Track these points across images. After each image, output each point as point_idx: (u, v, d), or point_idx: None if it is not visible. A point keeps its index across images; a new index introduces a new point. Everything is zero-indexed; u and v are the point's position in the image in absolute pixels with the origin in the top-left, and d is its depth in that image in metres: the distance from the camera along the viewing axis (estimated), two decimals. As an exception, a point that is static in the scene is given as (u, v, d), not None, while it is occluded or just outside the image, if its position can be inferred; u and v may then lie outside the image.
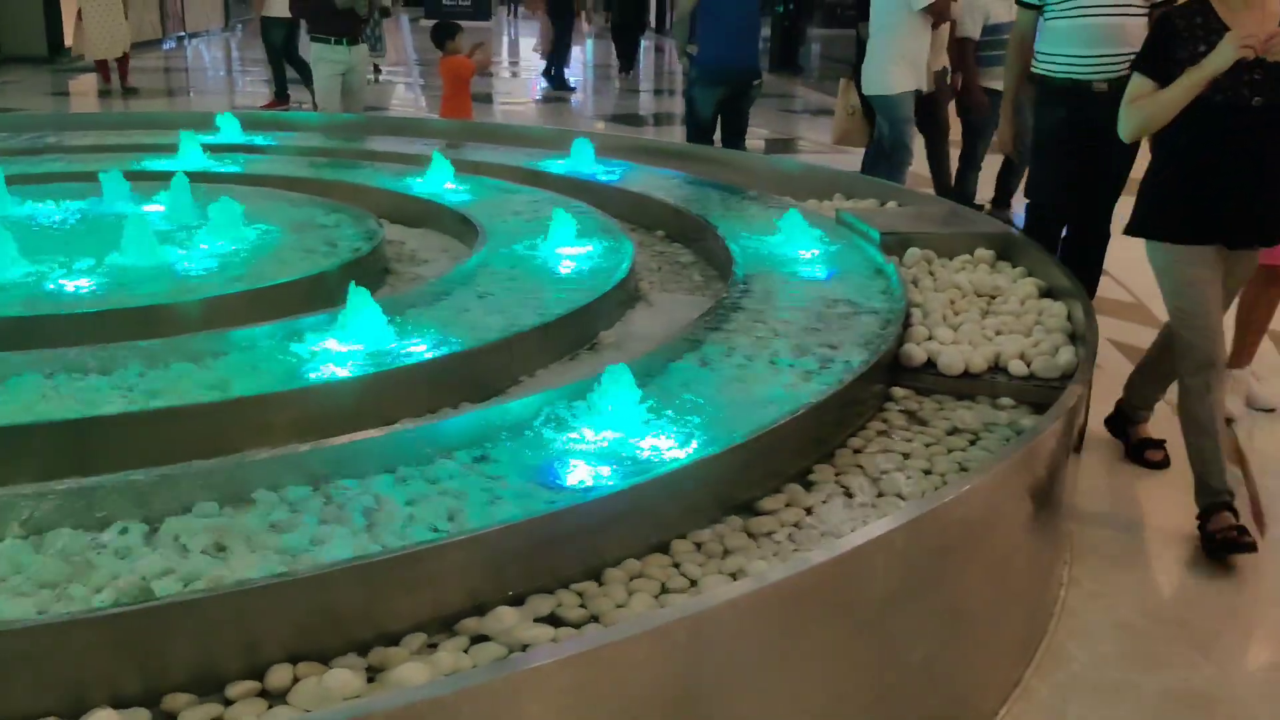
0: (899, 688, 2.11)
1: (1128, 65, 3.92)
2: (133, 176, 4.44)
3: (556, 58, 14.62)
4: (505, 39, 22.84)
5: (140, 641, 1.66)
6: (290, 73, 10.98)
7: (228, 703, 1.66)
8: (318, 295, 3.31)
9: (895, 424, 2.71)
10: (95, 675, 1.64)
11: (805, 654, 1.89)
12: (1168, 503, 3.30)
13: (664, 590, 1.99)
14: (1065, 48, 4.00)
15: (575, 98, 14.01)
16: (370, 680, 1.70)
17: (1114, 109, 3.28)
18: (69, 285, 3.40)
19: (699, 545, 2.12)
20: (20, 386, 2.57)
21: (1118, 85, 3.91)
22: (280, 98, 11.22)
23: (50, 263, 3.54)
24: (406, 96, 13.94)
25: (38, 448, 2.34)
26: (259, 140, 5.72)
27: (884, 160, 6.08)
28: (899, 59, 5.86)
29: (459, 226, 4.29)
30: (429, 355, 2.86)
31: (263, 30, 11.24)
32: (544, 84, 14.49)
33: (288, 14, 10.41)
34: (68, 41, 15.23)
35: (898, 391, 2.88)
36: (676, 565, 2.06)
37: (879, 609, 2.00)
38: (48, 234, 3.96)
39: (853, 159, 6.84)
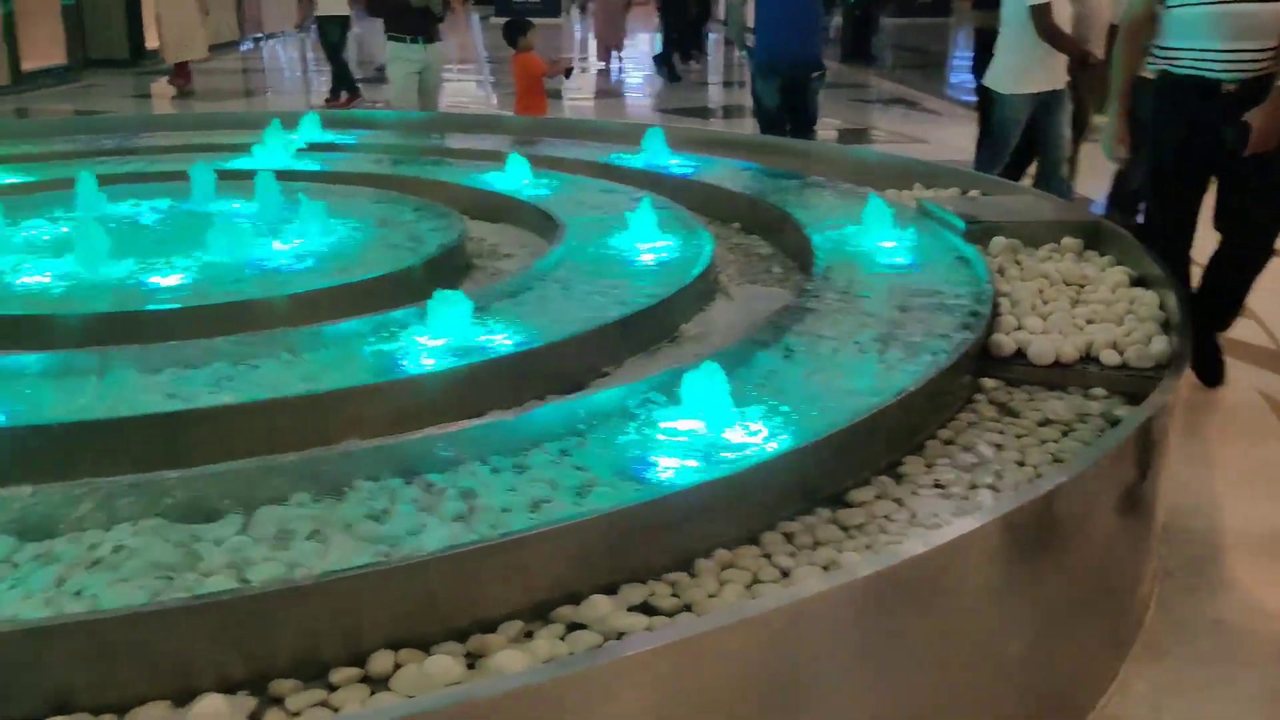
0: (994, 681, 2.08)
1: (1268, 63, 3.63)
2: (219, 175, 4.53)
3: (667, 47, 14.85)
4: (575, 35, 22.91)
5: (245, 627, 1.70)
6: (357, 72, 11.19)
7: (331, 688, 1.68)
8: (404, 290, 3.35)
9: (985, 415, 2.68)
10: (202, 660, 1.68)
11: (900, 646, 1.87)
12: (1264, 495, 3.22)
13: (755, 581, 1.98)
14: (1194, 40, 3.69)
15: (643, 91, 14.03)
16: (470, 667, 1.72)
17: (1239, 111, 3.08)
18: (161, 281, 3.48)
19: (789, 536, 2.11)
20: (119, 381, 2.64)
21: (1249, 86, 3.62)
22: (352, 92, 11.40)
23: (142, 260, 3.62)
24: (479, 94, 14.05)
25: (136, 440, 2.40)
26: (340, 139, 5.81)
27: (986, 149, 5.94)
28: (1017, 58, 5.61)
29: (538, 221, 4.32)
30: (513, 349, 2.88)
31: (320, 30, 11.43)
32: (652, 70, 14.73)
33: (343, 12, 10.61)
34: (149, 44, 15.62)
35: (987, 382, 2.84)
36: (767, 556, 2.05)
37: (974, 601, 1.98)
38: (139, 232, 4.06)
39: (929, 150, 6.75)
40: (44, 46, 13.98)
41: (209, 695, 1.63)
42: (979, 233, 3.76)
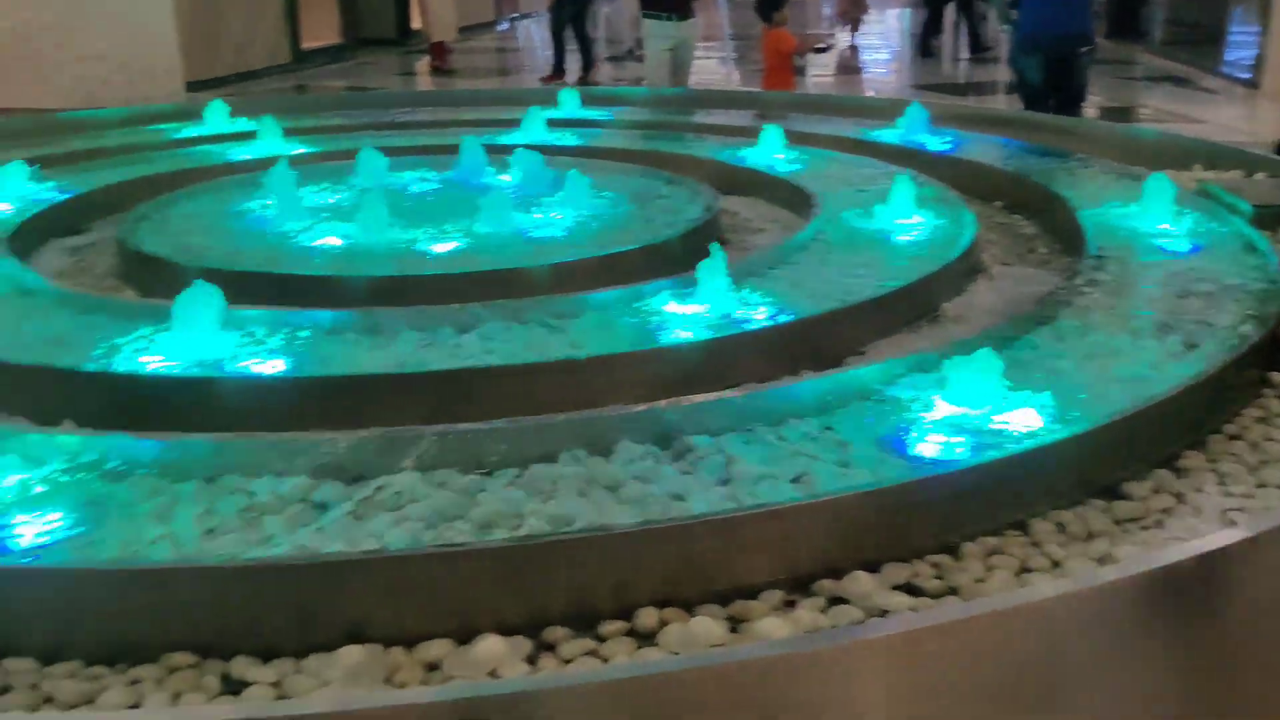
0: (1265, 698, 1.95)
1: None
2: (486, 149, 4.73)
3: (927, 23, 14.65)
4: (822, 11, 22.62)
5: (521, 575, 1.78)
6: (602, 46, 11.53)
7: (600, 639, 1.74)
8: (659, 262, 3.42)
9: (1275, 411, 2.49)
10: (482, 603, 1.77)
11: (1177, 649, 1.78)
12: None
13: (1024, 569, 1.92)
14: None
15: (890, 68, 13.72)
16: (733, 630, 1.75)
17: None
18: (434, 248, 3.67)
19: (1060, 526, 2.04)
20: (401, 339, 2.81)
21: None
22: (558, 72, 11.80)
23: (416, 227, 3.83)
24: (721, 71, 14.10)
25: (417, 395, 2.55)
26: (597, 115, 5.95)
27: None
28: None
29: (791, 197, 4.30)
30: (769, 322, 2.89)
31: (555, 5, 11.78)
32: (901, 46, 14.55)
33: None
34: (414, 24, 16.48)
35: (1276, 377, 2.64)
36: (1036, 545, 1.98)
37: (1257, 610, 1.85)
38: (413, 201, 4.29)
39: (1204, 130, 6.32)
40: (321, 27, 14.96)
41: (489, 636, 1.72)
42: (1268, 218, 3.50)
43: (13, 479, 2.05)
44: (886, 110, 5.59)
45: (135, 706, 1.62)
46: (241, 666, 1.69)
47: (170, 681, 1.67)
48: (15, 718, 1.53)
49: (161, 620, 1.71)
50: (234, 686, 1.67)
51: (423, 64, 14.51)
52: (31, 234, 3.94)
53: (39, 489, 2.04)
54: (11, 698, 1.64)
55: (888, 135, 5.17)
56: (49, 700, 1.64)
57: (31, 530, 1.92)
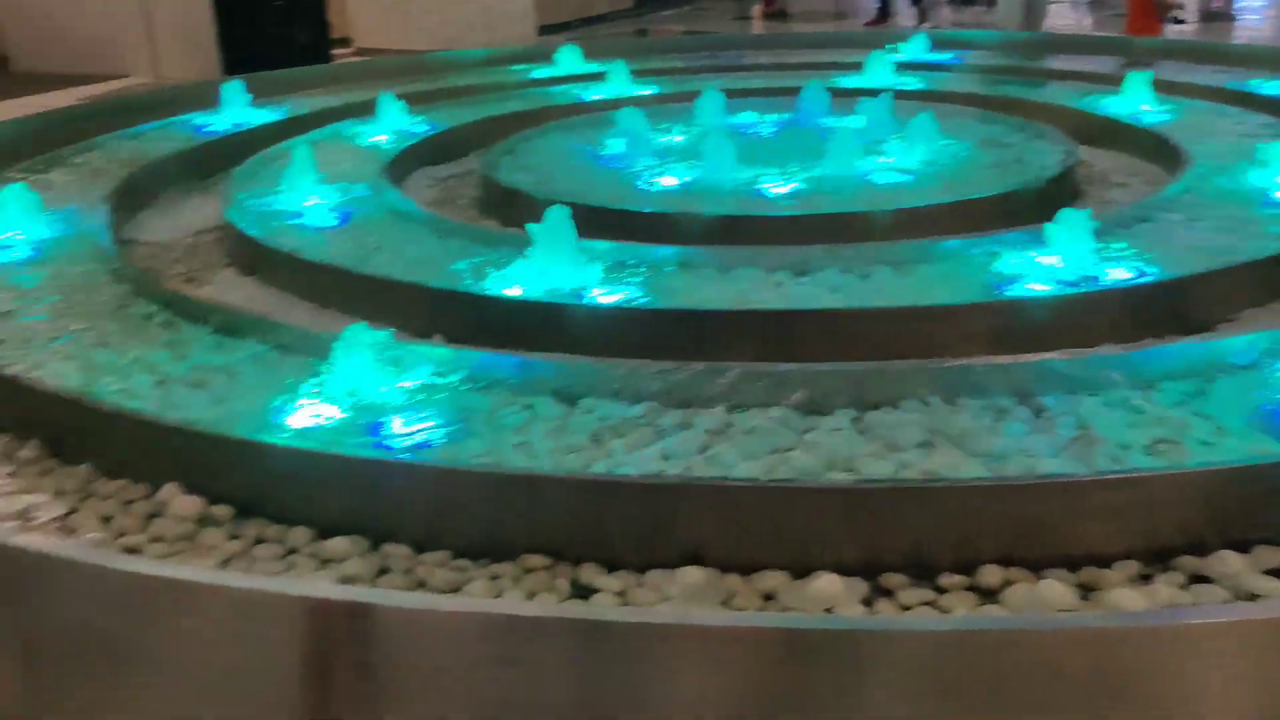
0: None
1: None
2: (830, 92, 4.68)
3: None
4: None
5: (861, 518, 1.78)
6: None
7: (939, 590, 1.72)
8: (1008, 212, 3.27)
9: None
10: (820, 542, 1.78)
11: None
12: None
13: None
14: None
15: (1265, 14, 12.35)
16: (1083, 598, 1.67)
17: None
18: (774, 189, 3.68)
19: None
20: (742, 277, 2.84)
21: None
22: (882, 17, 11.50)
23: (759, 168, 3.84)
24: (1072, 16, 13.21)
25: (754, 333, 2.58)
26: (945, 58, 5.75)
27: None
28: None
29: (1155, 149, 4.00)
30: (1132, 281, 2.72)
31: None
32: None
33: None
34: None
35: None
36: None
37: None
38: (755, 143, 4.32)
39: None
40: (662, -28, 15.20)
41: (826, 574, 1.73)
42: None
43: (394, 384, 2.26)
44: (1270, 60, 5.06)
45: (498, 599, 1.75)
46: (590, 574, 1.79)
47: (526, 580, 1.79)
48: (400, 595, 1.69)
49: (524, 523, 1.84)
50: (582, 591, 1.77)
51: (757, 8, 14.50)
52: (405, 164, 4.27)
53: (417, 395, 2.24)
54: (390, 579, 1.82)
55: (1272, 87, 4.68)
56: (421, 584, 1.81)
57: (411, 430, 2.11)
